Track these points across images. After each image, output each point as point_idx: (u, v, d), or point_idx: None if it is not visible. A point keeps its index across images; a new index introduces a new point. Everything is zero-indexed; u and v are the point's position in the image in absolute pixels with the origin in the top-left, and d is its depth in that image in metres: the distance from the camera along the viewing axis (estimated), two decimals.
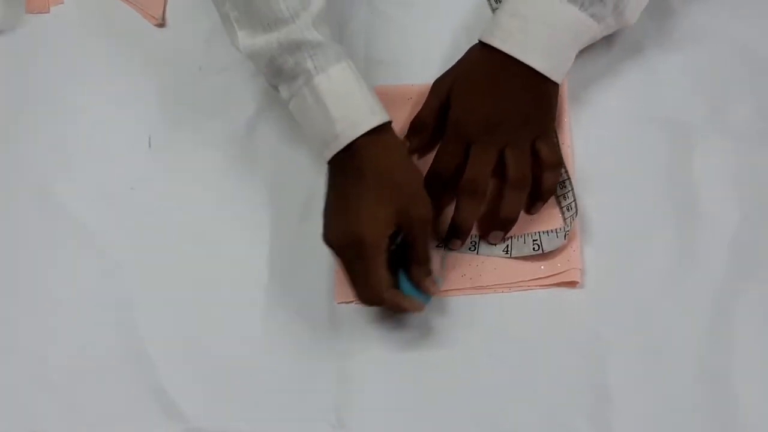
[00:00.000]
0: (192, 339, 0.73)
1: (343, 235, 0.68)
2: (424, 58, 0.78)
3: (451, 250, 0.73)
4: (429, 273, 0.70)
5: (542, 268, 0.72)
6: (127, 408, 0.72)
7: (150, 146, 0.79)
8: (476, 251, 0.73)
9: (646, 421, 0.67)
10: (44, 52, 0.84)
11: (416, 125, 0.75)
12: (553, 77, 0.71)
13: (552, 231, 0.72)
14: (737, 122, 0.75)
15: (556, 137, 0.74)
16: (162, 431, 0.70)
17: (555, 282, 0.72)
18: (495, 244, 0.73)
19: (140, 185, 0.78)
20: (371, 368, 0.71)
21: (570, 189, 0.73)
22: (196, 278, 0.75)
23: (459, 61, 0.74)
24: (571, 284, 0.71)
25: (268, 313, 0.73)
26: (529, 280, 0.72)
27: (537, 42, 0.70)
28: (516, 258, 0.72)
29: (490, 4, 0.80)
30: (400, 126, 0.75)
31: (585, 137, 0.76)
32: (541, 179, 0.72)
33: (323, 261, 0.74)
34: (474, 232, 0.73)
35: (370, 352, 0.71)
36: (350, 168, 0.68)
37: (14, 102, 0.82)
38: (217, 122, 0.79)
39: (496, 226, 0.72)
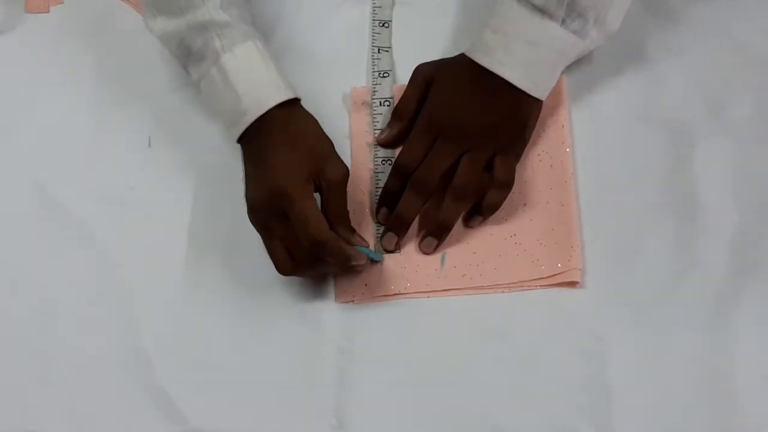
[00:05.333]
0: (192, 339, 0.73)
1: (265, 193, 0.69)
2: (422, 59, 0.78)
3: (386, 251, 0.73)
4: (353, 230, 0.72)
5: (542, 268, 0.72)
6: (127, 408, 0.71)
7: (150, 146, 0.79)
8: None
9: (646, 421, 0.67)
10: (44, 52, 0.84)
11: (397, 113, 0.76)
12: (534, 93, 0.71)
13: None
14: (737, 122, 0.75)
15: (518, 155, 0.74)
16: (162, 431, 0.70)
17: (555, 282, 0.71)
18: (428, 254, 0.73)
19: (140, 185, 0.78)
20: (371, 368, 0.71)
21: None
22: (195, 278, 0.75)
23: (448, 59, 0.75)
24: (571, 284, 0.71)
25: (268, 313, 0.73)
26: (529, 280, 0.72)
27: (517, 58, 0.70)
28: (513, 258, 0.72)
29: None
30: None
31: (585, 137, 0.76)
32: (485, 194, 0.72)
33: None
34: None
35: (370, 352, 0.71)
36: (262, 138, 0.70)
37: (14, 102, 0.82)
38: (217, 122, 0.79)
39: (431, 229, 0.73)
